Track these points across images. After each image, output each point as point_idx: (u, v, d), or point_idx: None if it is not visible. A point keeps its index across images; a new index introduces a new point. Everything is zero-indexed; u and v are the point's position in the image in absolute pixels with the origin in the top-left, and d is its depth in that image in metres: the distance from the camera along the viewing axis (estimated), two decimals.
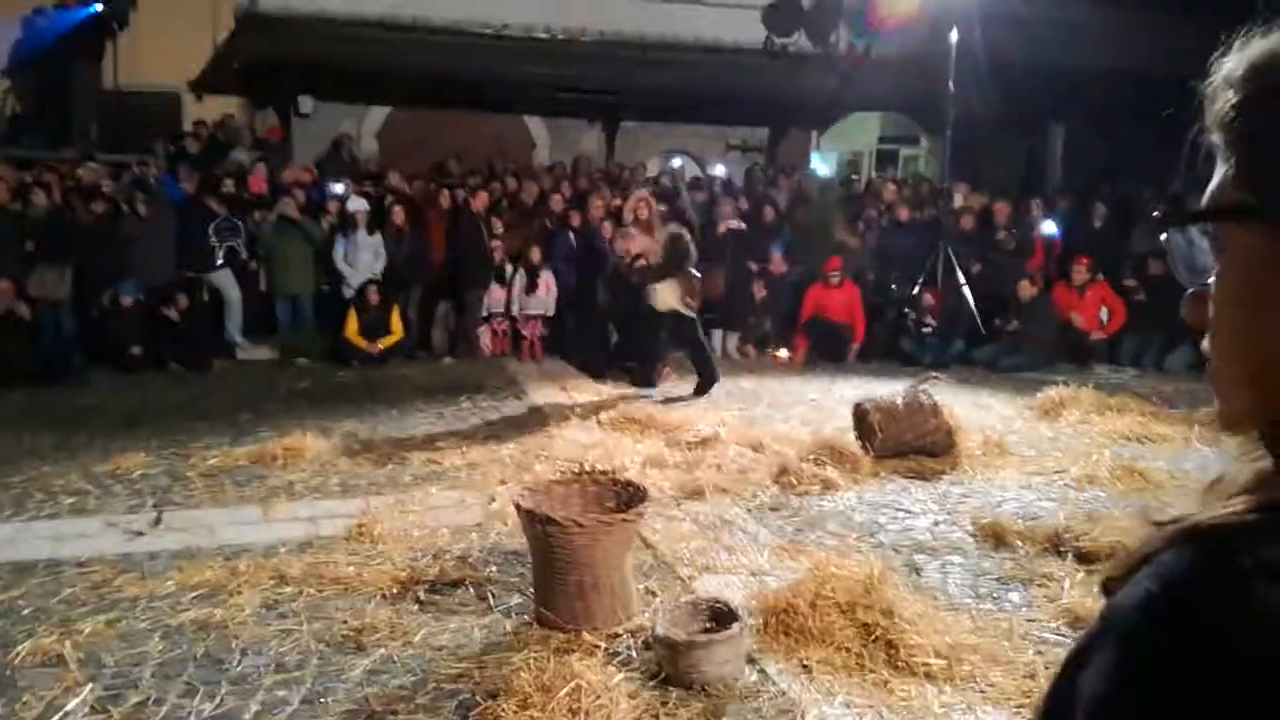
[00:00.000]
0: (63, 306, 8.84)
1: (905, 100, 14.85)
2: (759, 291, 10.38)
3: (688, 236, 8.51)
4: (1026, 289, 10.13)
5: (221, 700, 3.31)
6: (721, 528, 5.10)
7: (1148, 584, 0.61)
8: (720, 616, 3.69)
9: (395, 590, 4.22)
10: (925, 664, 3.58)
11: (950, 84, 10.56)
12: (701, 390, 8.34)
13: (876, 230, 11.24)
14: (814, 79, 14.02)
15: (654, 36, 14.56)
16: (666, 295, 8.32)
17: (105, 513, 5.20)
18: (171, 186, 9.99)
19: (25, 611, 3.97)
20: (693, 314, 8.44)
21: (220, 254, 9.49)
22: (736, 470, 6.07)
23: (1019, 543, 4.86)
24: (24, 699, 3.30)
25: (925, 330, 10.10)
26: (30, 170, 9.86)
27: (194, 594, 4.14)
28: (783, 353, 10.35)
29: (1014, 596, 4.31)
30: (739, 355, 10.35)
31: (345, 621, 3.90)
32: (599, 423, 7.26)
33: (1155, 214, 10.08)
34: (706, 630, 3.64)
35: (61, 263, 8.72)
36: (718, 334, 10.39)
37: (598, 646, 3.69)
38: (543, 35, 14.14)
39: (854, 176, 15.46)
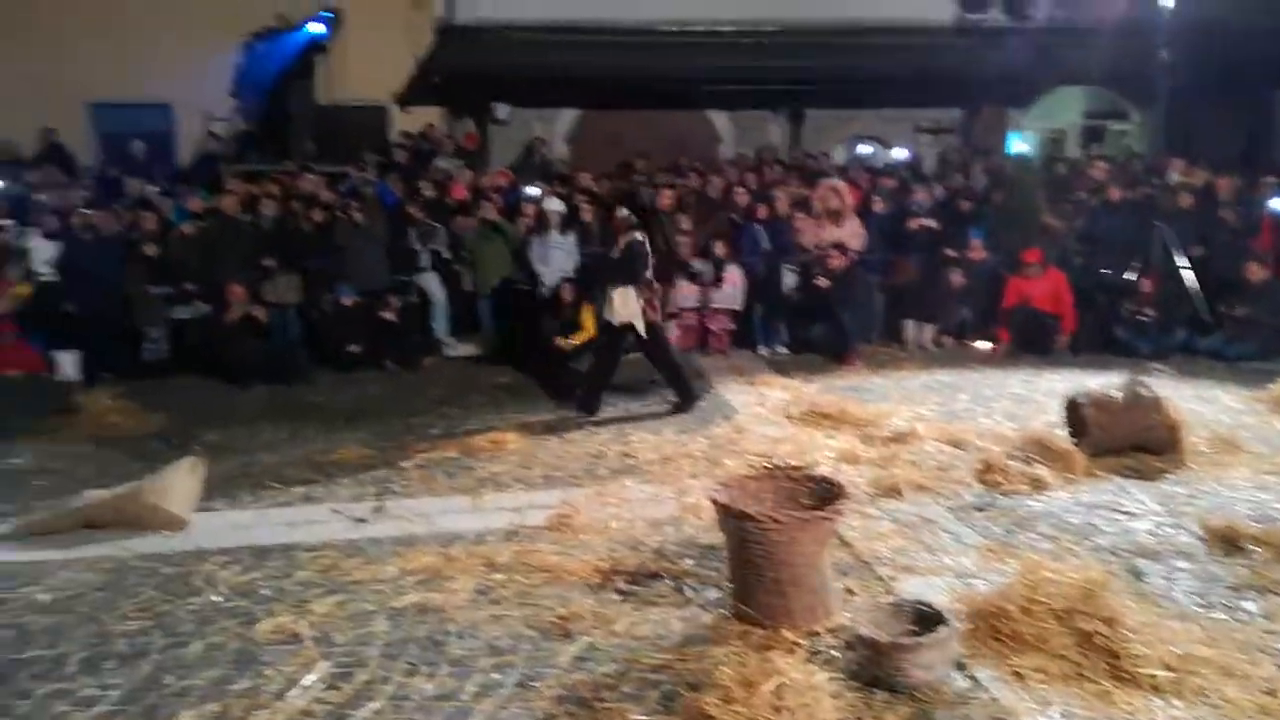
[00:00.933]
0: (290, 309, 9.58)
1: (1112, 73, 13.91)
2: (956, 279, 9.99)
3: (644, 241, 7.61)
4: (1255, 271, 9.27)
5: (441, 681, 3.52)
6: (922, 527, 4.95)
7: None
8: (925, 619, 3.59)
9: (597, 580, 4.34)
10: (1151, 676, 3.37)
11: (1163, 53, 9.78)
12: (680, 409, 7.53)
13: (1084, 212, 10.57)
14: (1010, 55, 13.37)
15: (838, 22, 14.30)
16: (622, 307, 7.44)
17: (332, 501, 5.60)
18: (385, 193, 10.65)
19: (264, 592, 4.34)
20: (653, 326, 7.61)
21: (425, 257, 10.01)
22: (936, 467, 5.88)
23: (1254, 547, 4.50)
24: (266, 672, 3.61)
25: (1142, 318, 9.42)
26: (257, 183, 10.73)
27: (413, 578, 4.41)
28: (983, 343, 9.93)
29: (1250, 605, 3.99)
30: (934, 346, 10.00)
31: (552, 609, 4.05)
32: (789, 417, 7.20)
33: None
34: (910, 632, 3.56)
35: (290, 268, 9.44)
36: (910, 324, 10.08)
37: (798, 644, 3.67)
38: (726, 29, 14.15)
39: (1057, 156, 14.59)
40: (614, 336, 7.63)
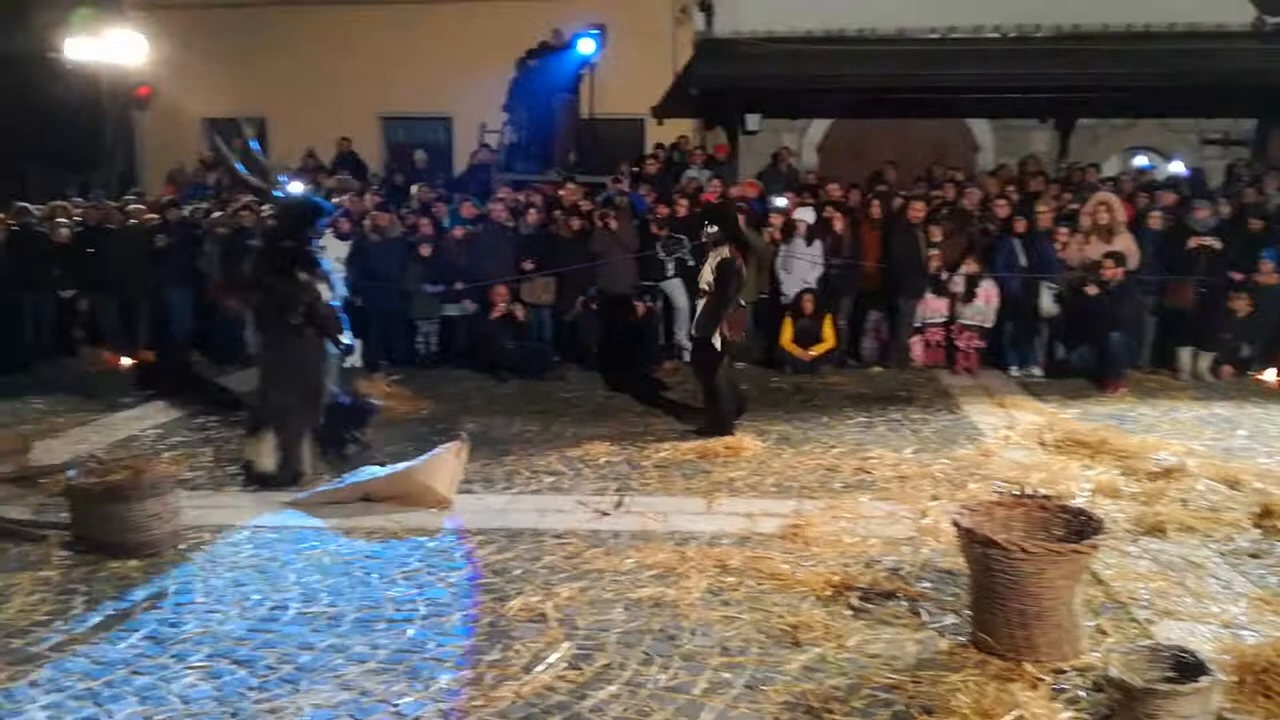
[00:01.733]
0: (545, 310, 10.17)
1: None
2: (1241, 305, 9.10)
3: (736, 259, 7.33)
4: None
5: (674, 674, 3.66)
6: (1186, 570, 4.59)
7: None
8: (1184, 667, 3.34)
9: (828, 593, 4.35)
10: None
11: None
12: (705, 434, 7.16)
13: None
14: None
15: (1118, 25, 13.38)
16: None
17: (577, 492, 5.92)
18: (639, 203, 11.05)
19: (515, 572, 4.66)
20: (724, 348, 7.29)
21: (670, 266, 10.30)
22: (1206, 507, 5.43)
23: None
24: (515, 648, 3.89)
25: None
26: (522, 191, 11.43)
27: (650, 573, 4.59)
28: (1270, 375, 8.99)
29: None
30: (1212, 376, 9.16)
31: (782, 616, 4.10)
32: (1041, 443, 6.86)
33: None
34: (1168, 680, 3.32)
35: (548, 272, 10.03)
36: (1186, 352, 9.28)
37: (1040, 679, 3.53)
38: (992, 35, 13.59)
39: None
40: (718, 355, 7.37)
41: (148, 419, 7.96)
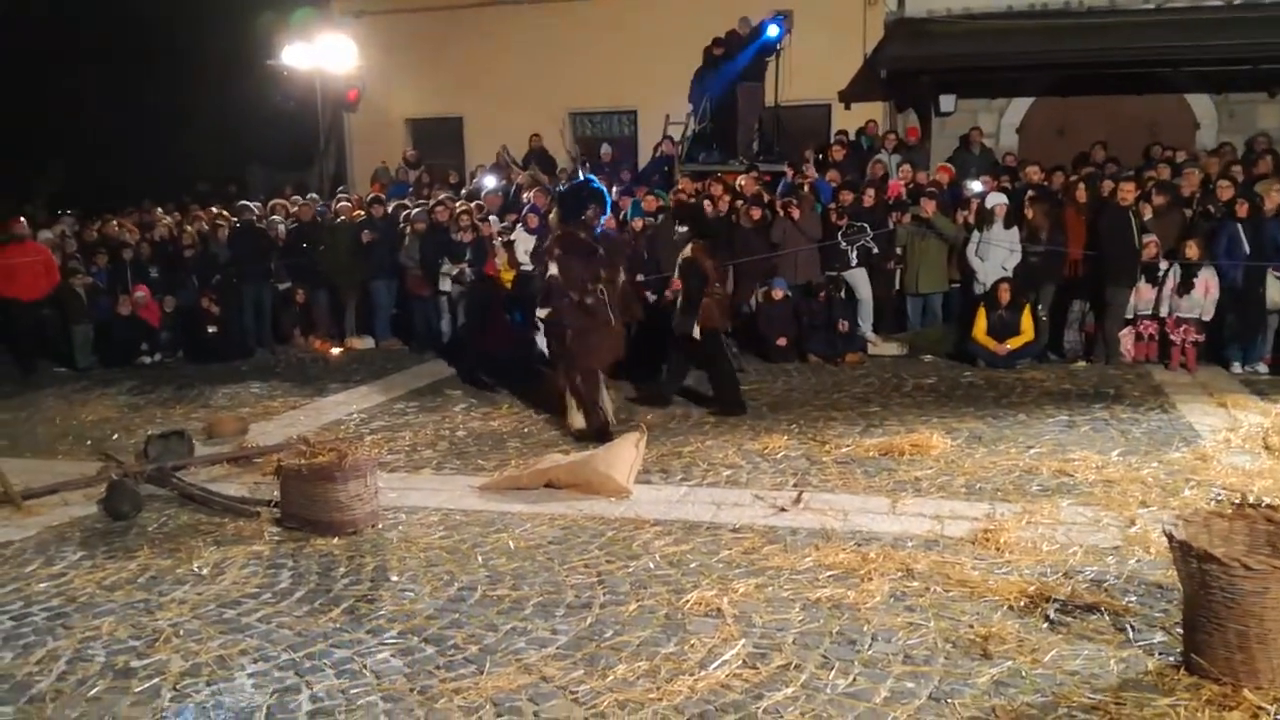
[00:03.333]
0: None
1: None
2: None
3: (697, 259, 7.66)
4: None
5: (854, 680, 3.54)
6: None
7: None
8: None
9: (1023, 603, 4.11)
10: None
11: None
12: (725, 412, 7.59)
13: None
14: None
15: None
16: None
17: (754, 486, 5.86)
18: (825, 190, 10.83)
19: (692, 565, 4.65)
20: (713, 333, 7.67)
21: (853, 255, 10.03)
22: None
23: None
24: (691, 641, 3.87)
25: None
26: (705, 181, 11.41)
27: (829, 573, 4.48)
28: None
29: None
30: None
31: (971, 626, 3.91)
32: (1268, 447, 6.25)
33: None
34: None
35: (727, 262, 9.97)
36: None
37: (1263, 709, 3.21)
38: (1215, 3, 12.47)
39: None
40: (702, 345, 7.80)
41: (353, 404, 8.48)
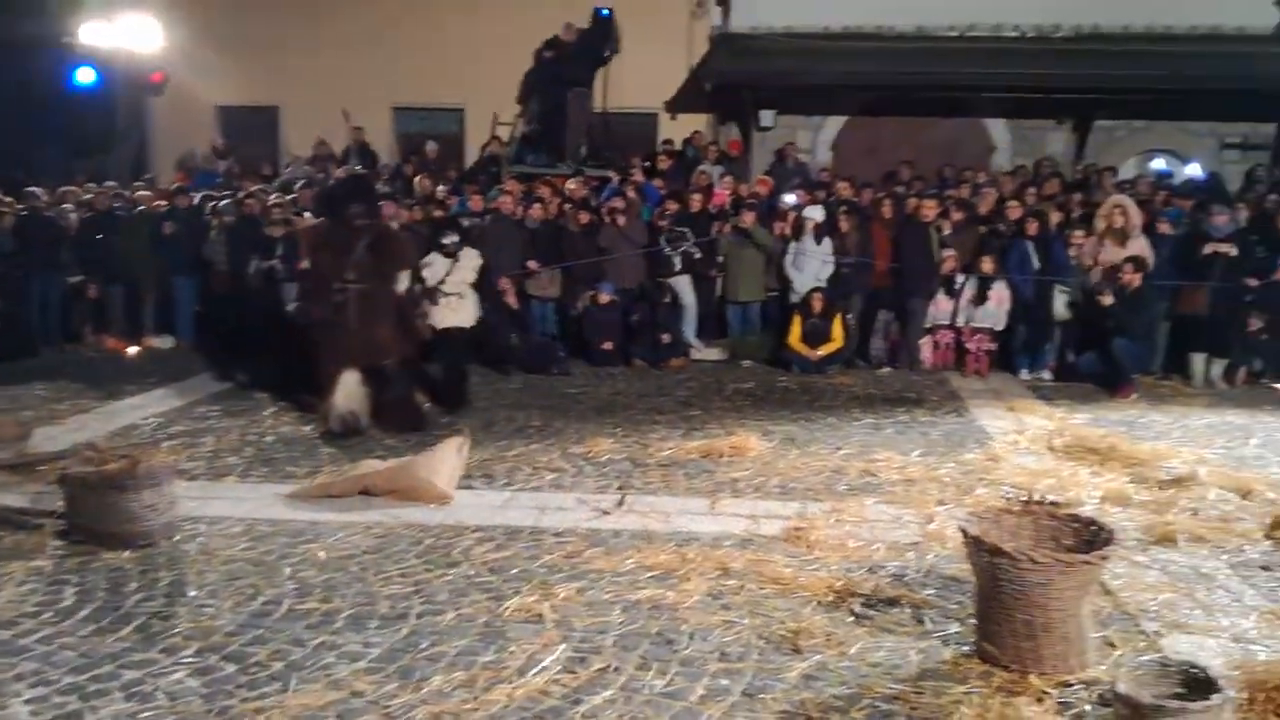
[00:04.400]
0: (551, 304, 10.11)
1: None
2: (1257, 314, 8.98)
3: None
4: None
5: (671, 679, 3.58)
6: (1197, 582, 4.50)
7: None
8: (1194, 683, 3.24)
9: (831, 599, 4.26)
10: None
11: None
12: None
13: None
14: None
15: (1138, 27, 13.24)
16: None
17: (578, 490, 5.85)
18: (653, 196, 10.98)
19: (514, 571, 4.59)
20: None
21: (677, 261, 10.21)
22: (1217, 518, 5.33)
23: None
24: (510, 649, 3.81)
25: None
26: (532, 184, 11.36)
27: (649, 574, 4.52)
28: None
29: None
30: (1225, 384, 9.03)
31: (783, 622, 4.02)
32: (1051, 449, 6.76)
33: None
34: (1177, 696, 3.23)
35: (554, 265, 9.96)
36: (1199, 359, 9.15)
37: (1046, 693, 3.44)
38: (1011, 34, 13.45)
39: None
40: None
41: (149, 407, 7.93)
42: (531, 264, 9.95)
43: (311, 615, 4.12)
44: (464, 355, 8.34)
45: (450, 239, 8.28)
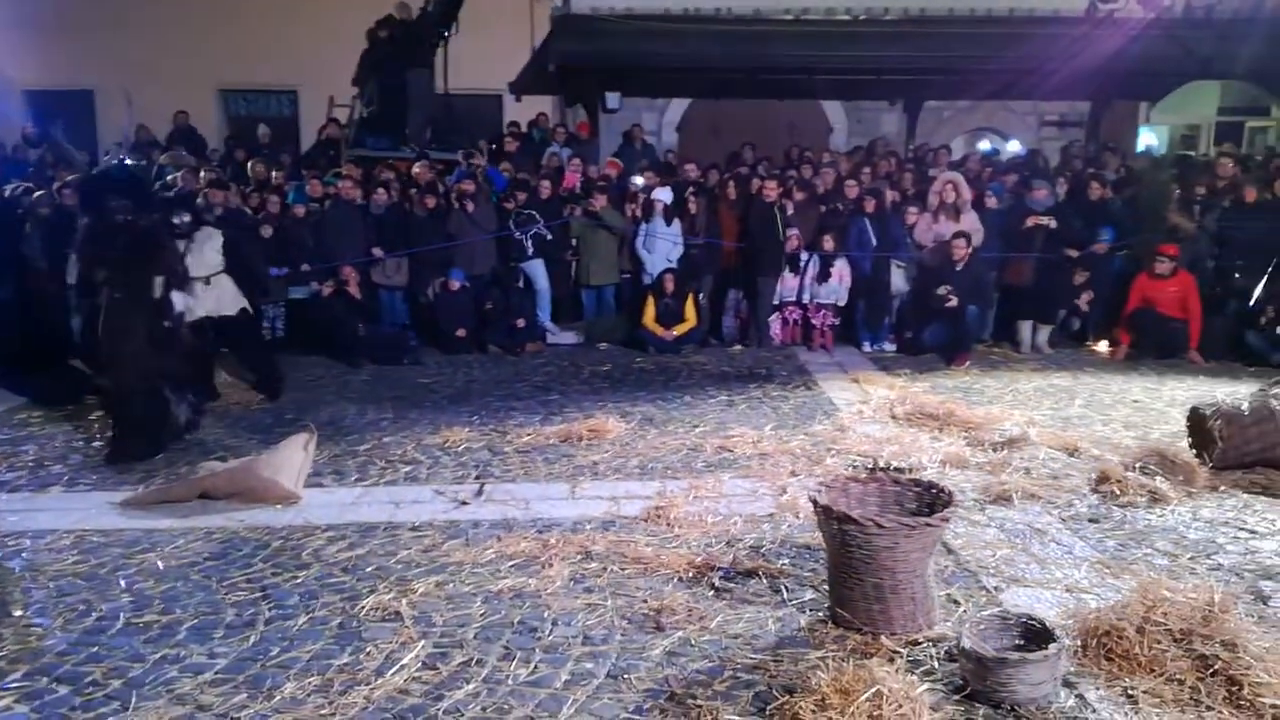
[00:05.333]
0: (400, 292, 9.85)
1: (1254, 66, 13.13)
2: (1076, 279, 9.60)
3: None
4: None
5: (535, 667, 3.55)
6: (1031, 537, 4.77)
7: None
8: (1033, 634, 3.45)
9: (691, 574, 4.32)
10: (1274, 705, 3.17)
11: None
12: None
13: (1216, 213, 10.01)
14: (1145, 46, 12.76)
15: (962, 11, 13.87)
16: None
17: (435, 482, 5.72)
18: (499, 180, 10.81)
19: (368, 569, 4.45)
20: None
21: (530, 246, 10.12)
22: (1048, 475, 5.67)
23: None
24: (367, 649, 3.69)
25: (1274, 325, 8.87)
26: (374, 168, 11.01)
27: (511, 563, 4.46)
28: (1102, 346, 9.52)
29: None
30: (1050, 349, 9.63)
31: (645, 601, 4.05)
32: (894, 417, 7.04)
33: None
34: (1017, 647, 3.43)
35: (400, 253, 9.70)
36: (1026, 326, 9.72)
37: (897, 653, 3.58)
38: (844, 17, 13.87)
39: (1189, 153, 13.86)
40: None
41: None
42: (376, 251, 9.67)
43: (150, 628, 3.89)
44: (250, 343, 7.92)
45: (181, 218, 7.40)
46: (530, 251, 10.09)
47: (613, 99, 14.11)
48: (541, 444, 6.44)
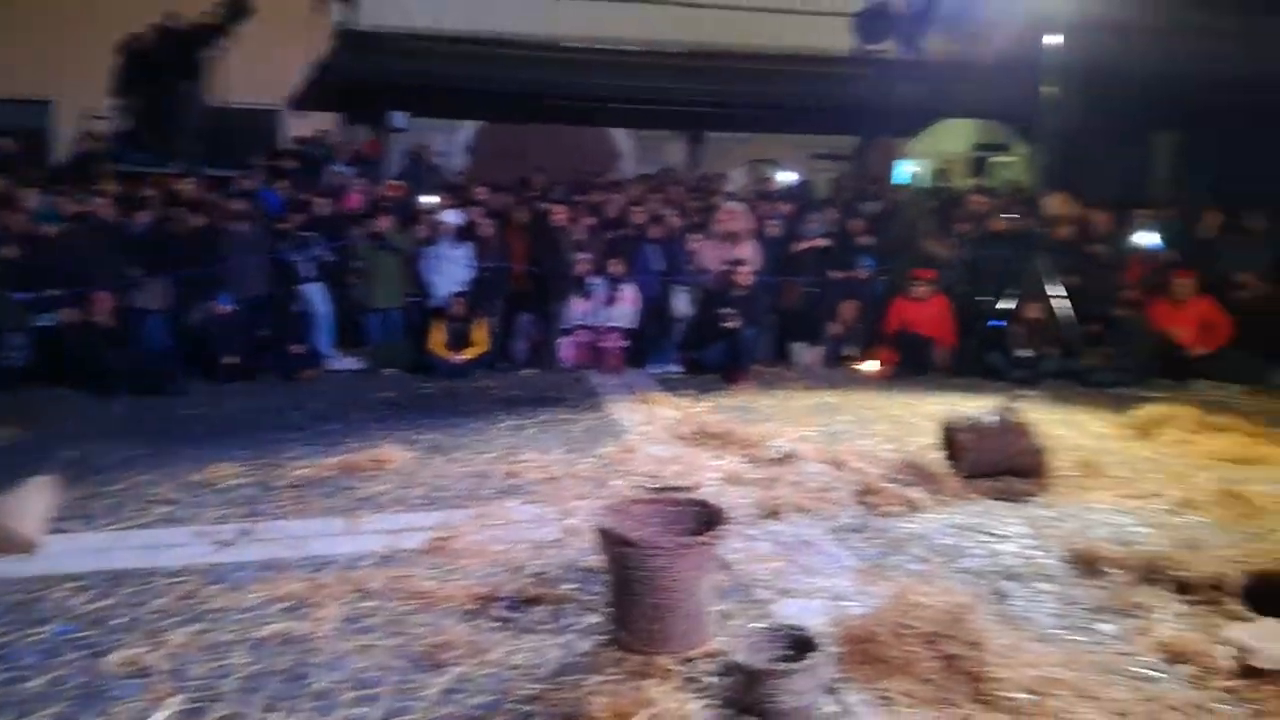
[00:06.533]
0: (161, 317, 9.20)
1: (1000, 106, 14.48)
2: (843, 302, 10.22)
3: None
4: (1124, 303, 9.75)
5: (303, 716, 3.37)
6: (801, 549, 5.00)
7: None
8: (800, 644, 3.61)
9: (473, 607, 4.24)
10: (1012, 699, 3.45)
11: (1045, 90, 10.25)
12: None
13: (968, 241, 10.95)
14: (904, 86, 13.81)
15: (741, 48, 14.53)
16: None
17: (195, 523, 5.34)
18: (271, 200, 10.32)
19: (117, 621, 4.09)
20: None
21: (308, 267, 9.73)
22: (817, 489, 5.94)
23: (1112, 570, 4.65)
24: (113, 709, 3.40)
25: (1018, 346, 9.76)
26: (136, 184, 10.28)
27: (278, 606, 4.22)
28: (866, 366, 10.16)
29: (1106, 628, 4.12)
30: (821, 368, 10.19)
31: (424, 638, 3.93)
32: (678, 437, 7.20)
33: None
34: (786, 657, 3.57)
35: (162, 275, 9.07)
36: (799, 346, 10.25)
37: (673, 671, 3.64)
38: (631, 49, 14.21)
39: (943, 186, 15.09)
40: None
41: None
42: (134, 272, 8.99)
43: None
44: None
45: None
46: (309, 274, 9.69)
47: (399, 118, 13.83)
48: (318, 477, 6.16)
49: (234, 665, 3.71)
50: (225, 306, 9.05)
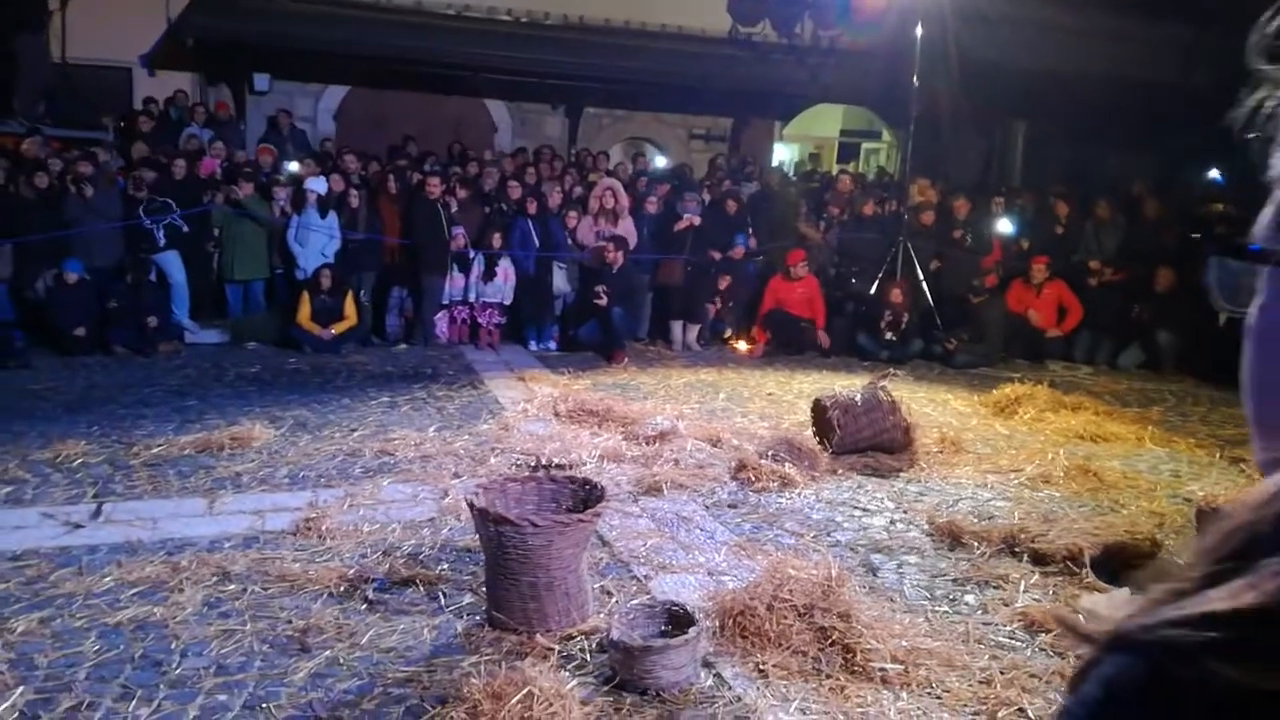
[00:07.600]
0: (3, 286, 8.57)
1: (869, 94, 14.88)
2: (720, 283, 10.33)
3: None
4: (983, 286, 10.19)
5: (159, 705, 3.20)
6: (679, 525, 5.04)
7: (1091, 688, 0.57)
8: (677, 619, 3.63)
9: (343, 589, 4.11)
10: (882, 669, 3.56)
11: (914, 79, 10.57)
12: None
13: (838, 224, 11.22)
14: (779, 69, 14.01)
15: (619, 22, 14.45)
16: None
17: (43, 503, 5.02)
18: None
19: None
20: None
21: (161, 235, 9.21)
22: (695, 465, 6.01)
23: (974, 543, 4.86)
24: None
25: (884, 326, 10.09)
26: None
27: (133, 591, 4.00)
28: (742, 345, 10.32)
29: (969, 598, 4.30)
30: (698, 346, 10.30)
31: (290, 621, 3.79)
32: (556, 414, 7.16)
33: (1198, 235, 10.09)
34: (664, 633, 3.59)
35: (3, 241, 8.44)
36: (677, 325, 10.32)
37: (551, 650, 3.62)
38: (505, 18, 13.95)
39: (816, 169, 15.44)
40: None
41: None
42: None
43: None
44: None
45: None
46: (163, 242, 9.18)
47: (261, 80, 13.23)
48: (175, 455, 5.86)
49: (85, 653, 3.49)
50: (73, 275, 8.48)
